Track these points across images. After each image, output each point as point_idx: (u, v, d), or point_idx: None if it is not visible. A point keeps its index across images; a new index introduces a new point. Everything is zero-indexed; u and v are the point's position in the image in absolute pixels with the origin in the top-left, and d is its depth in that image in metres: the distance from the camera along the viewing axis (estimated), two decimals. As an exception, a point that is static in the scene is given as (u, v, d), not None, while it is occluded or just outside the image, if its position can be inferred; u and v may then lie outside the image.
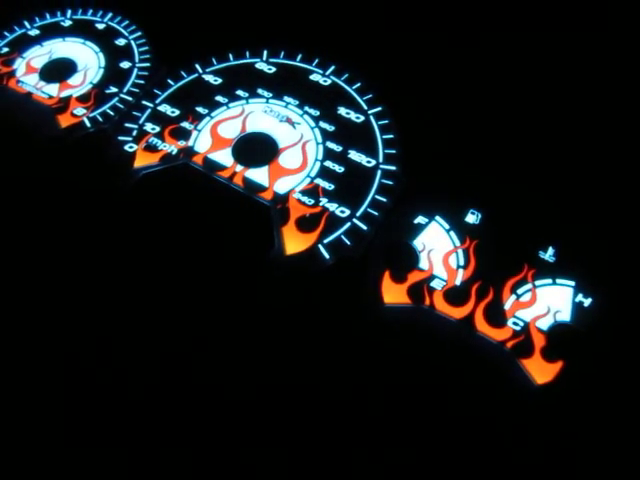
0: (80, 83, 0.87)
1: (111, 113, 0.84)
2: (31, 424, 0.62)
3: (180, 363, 0.65)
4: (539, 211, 0.73)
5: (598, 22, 0.85)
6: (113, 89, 0.86)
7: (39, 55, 0.91)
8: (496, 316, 0.67)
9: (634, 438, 0.61)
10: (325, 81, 0.86)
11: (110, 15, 0.95)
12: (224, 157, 0.79)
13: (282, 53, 0.89)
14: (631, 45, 0.83)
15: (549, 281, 0.69)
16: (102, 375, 0.65)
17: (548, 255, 0.70)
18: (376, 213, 0.74)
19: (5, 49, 0.91)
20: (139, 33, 0.92)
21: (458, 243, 0.72)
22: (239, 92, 0.85)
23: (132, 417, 0.63)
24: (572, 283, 0.69)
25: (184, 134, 0.81)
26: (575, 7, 0.85)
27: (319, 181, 0.76)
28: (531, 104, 0.81)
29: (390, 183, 0.76)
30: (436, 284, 0.69)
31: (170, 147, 0.80)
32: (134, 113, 0.84)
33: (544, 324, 0.67)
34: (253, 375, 0.64)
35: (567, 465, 0.60)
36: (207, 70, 0.88)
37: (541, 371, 0.64)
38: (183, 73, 0.88)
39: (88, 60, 0.90)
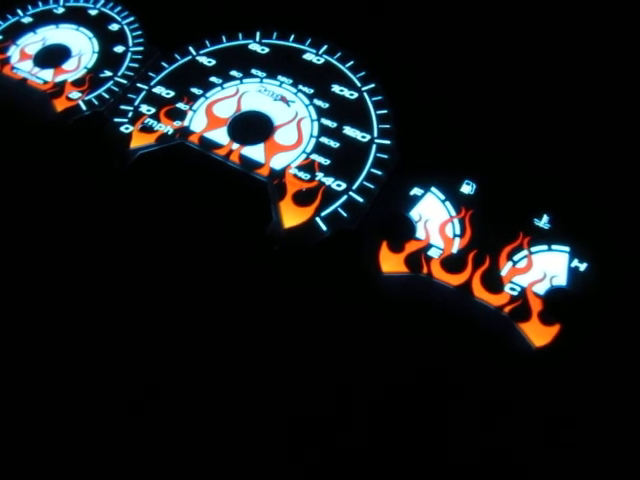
0: (74, 68, 0.87)
1: (106, 96, 0.84)
2: (31, 424, 0.62)
3: (183, 338, 0.65)
4: (533, 180, 0.74)
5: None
6: (108, 73, 0.86)
7: (33, 42, 0.91)
8: (493, 282, 0.68)
9: (631, 397, 0.61)
10: (318, 60, 0.87)
11: (102, 1, 0.95)
12: (220, 136, 0.79)
13: (275, 34, 0.90)
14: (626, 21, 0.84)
15: (544, 247, 0.70)
16: (103, 353, 0.65)
17: (543, 222, 0.71)
18: (372, 186, 0.74)
19: (-1, 37, 0.92)
20: (132, 18, 0.93)
21: (454, 213, 0.72)
22: (233, 73, 0.86)
23: (134, 402, 0.63)
24: (567, 249, 0.70)
25: (180, 115, 0.82)
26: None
27: (315, 156, 0.77)
28: (524, 72, 0.82)
29: (385, 157, 0.77)
30: (433, 253, 0.70)
31: (166, 127, 0.80)
32: (129, 95, 0.84)
33: (541, 289, 0.67)
34: (255, 347, 0.65)
35: (566, 428, 0.61)
36: (201, 52, 0.88)
37: (539, 334, 0.65)
38: (177, 56, 0.88)
39: (82, 46, 0.90)
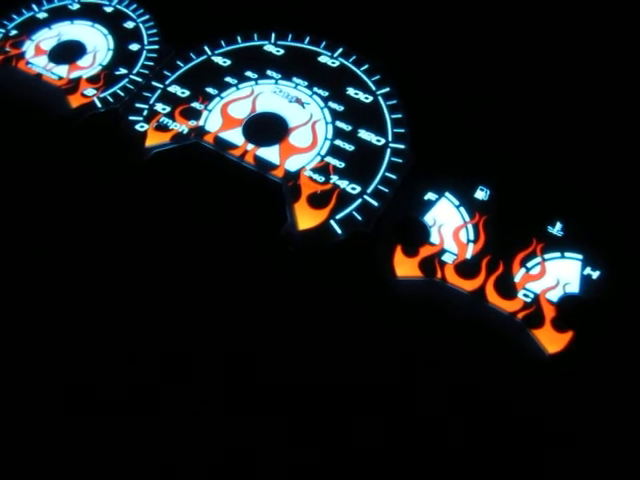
0: (89, 65, 0.88)
1: (121, 94, 0.84)
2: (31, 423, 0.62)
3: (198, 335, 0.66)
4: (547, 187, 0.74)
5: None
6: (123, 70, 0.87)
7: (48, 37, 0.91)
8: (507, 288, 0.68)
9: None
10: (333, 63, 0.87)
11: (118, -1, 0.95)
12: (235, 136, 0.80)
13: (290, 36, 0.90)
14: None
15: (558, 254, 0.70)
16: (115, 347, 0.65)
17: (556, 230, 0.72)
18: (386, 190, 0.75)
19: (14, 32, 0.92)
20: (147, 16, 0.93)
21: (468, 218, 0.73)
22: (248, 73, 0.86)
23: (143, 392, 0.63)
24: (580, 256, 0.70)
25: (195, 114, 0.82)
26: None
27: (329, 159, 0.77)
28: (538, 77, 0.82)
29: (400, 161, 0.77)
30: (447, 258, 0.70)
31: (181, 127, 0.80)
32: (144, 94, 0.84)
33: (554, 296, 0.68)
34: (269, 347, 0.65)
35: (579, 434, 0.62)
36: (216, 52, 0.89)
37: (552, 341, 0.65)
38: (192, 55, 0.88)
39: (97, 42, 0.90)
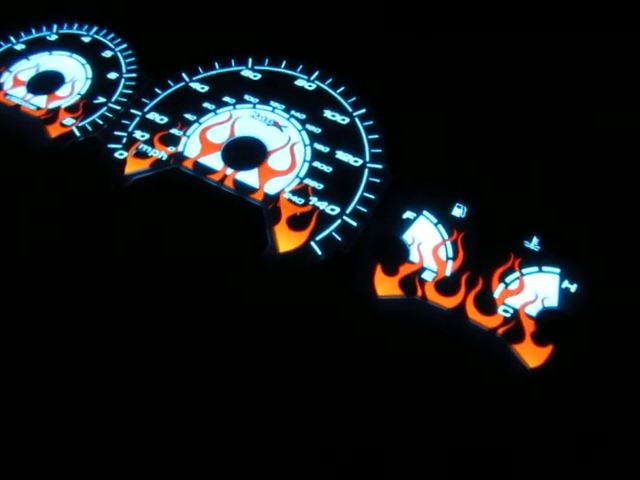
0: (68, 94, 0.88)
1: (100, 122, 0.85)
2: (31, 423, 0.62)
3: (179, 361, 0.65)
4: (522, 202, 0.76)
5: (586, 20, 0.88)
6: (101, 99, 0.87)
7: (26, 68, 0.92)
8: (486, 304, 0.69)
9: (624, 413, 0.62)
10: (310, 86, 0.88)
11: (96, 29, 0.96)
12: (214, 161, 0.80)
13: (266, 60, 0.91)
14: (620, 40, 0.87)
15: (535, 269, 0.71)
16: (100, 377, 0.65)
17: (533, 244, 0.73)
18: (365, 210, 0.76)
19: (-9, 63, 0.92)
20: (125, 45, 0.94)
21: (446, 236, 0.74)
22: (226, 98, 0.87)
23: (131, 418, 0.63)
24: (558, 270, 0.71)
25: (174, 140, 0.82)
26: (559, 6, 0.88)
27: (308, 181, 0.78)
28: (512, 94, 0.84)
29: (378, 181, 0.78)
30: (427, 276, 0.71)
31: (160, 153, 0.81)
32: (123, 121, 0.85)
33: (533, 310, 0.68)
34: (251, 372, 0.65)
35: (562, 447, 0.62)
36: (194, 78, 0.90)
37: (533, 355, 0.66)
38: (170, 82, 0.89)
39: (75, 72, 0.91)
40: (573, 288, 0.70)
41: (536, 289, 0.70)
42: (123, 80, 0.90)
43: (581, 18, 0.88)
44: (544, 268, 0.71)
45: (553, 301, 0.69)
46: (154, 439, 0.62)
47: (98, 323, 0.68)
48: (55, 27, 0.98)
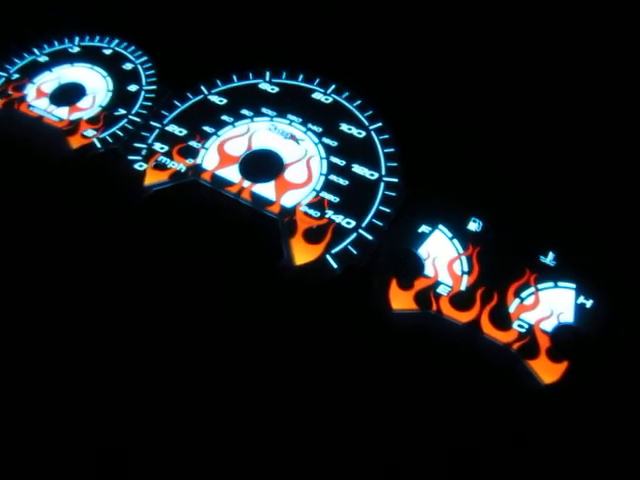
0: (89, 106, 0.90)
1: (120, 134, 0.86)
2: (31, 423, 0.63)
3: (195, 374, 0.66)
4: (538, 217, 0.76)
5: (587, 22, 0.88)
6: (122, 111, 0.89)
7: (49, 80, 0.93)
8: (501, 319, 0.69)
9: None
10: (327, 99, 0.89)
11: (117, 41, 0.98)
12: (231, 174, 0.81)
13: (284, 74, 0.92)
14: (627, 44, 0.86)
15: (551, 284, 0.71)
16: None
17: (549, 259, 0.73)
18: (381, 223, 0.76)
19: (16, 75, 0.94)
20: (145, 58, 0.95)
21: (461, 250, 0.74)
22: (244, 111, 0.88)
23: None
24: (573, 286, 0.71)
25: (192, 152, 0.84)
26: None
27: (324, 194, 0.79)
28: (528, 108, 0.84)
29: (393, 194, 0.79)
30: (442, 290, 0.71)
31: (179, 165, 0.82)
32: (143, 133, 0.86)
33: (548, 326, 0.69)
34: (267, 384, 0.66)
35: (576, 464, 0.62)
36: (212, 91, 0.91)
37: (548, 371, 0.66)
38: (189, 95, 0.91)
39: (96, 84, 0.93)
40: (589, 304, 0.70)
41: (551, 305, 0.70)
42: (143, 92, 0.91)
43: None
44: (560, 283, 0.71)
45: (569, 317, 0.69)
46: (157, 440, 0.62)
47: (116, 334, 0.69)
48: (77, 39, 0.99)
